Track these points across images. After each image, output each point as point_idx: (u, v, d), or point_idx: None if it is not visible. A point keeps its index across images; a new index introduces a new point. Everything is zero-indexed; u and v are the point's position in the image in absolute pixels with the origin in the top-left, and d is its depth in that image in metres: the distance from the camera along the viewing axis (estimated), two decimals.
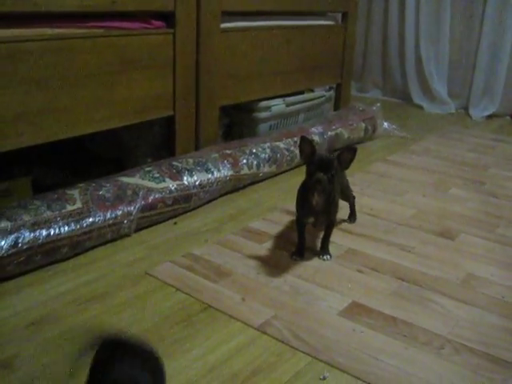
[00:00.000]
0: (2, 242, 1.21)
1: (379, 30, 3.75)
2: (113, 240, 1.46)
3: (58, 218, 1.33)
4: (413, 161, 2.32)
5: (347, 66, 2.81)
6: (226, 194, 1.81)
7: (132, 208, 1.47)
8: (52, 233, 1.30)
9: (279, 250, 1.47)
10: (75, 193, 1.42)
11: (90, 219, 1.38)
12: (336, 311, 1.19)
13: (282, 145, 2.02)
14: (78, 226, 1.35)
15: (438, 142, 2.68)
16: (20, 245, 1.23)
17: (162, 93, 1.79)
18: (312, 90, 2.70)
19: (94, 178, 1.54)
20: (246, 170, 1.83)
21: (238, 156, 1.84)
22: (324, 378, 0.98)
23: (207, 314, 1.16)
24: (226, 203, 1.77)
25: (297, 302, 1.22)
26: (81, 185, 1.48)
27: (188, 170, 1.66)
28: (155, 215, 1.55)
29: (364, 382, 0.98)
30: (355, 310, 1.20)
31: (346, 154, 1.32)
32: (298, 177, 1.46)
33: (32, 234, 1.26)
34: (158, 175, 1.59)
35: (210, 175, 1.70)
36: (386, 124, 2.71)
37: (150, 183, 1.56)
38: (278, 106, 2.30)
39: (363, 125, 2.48)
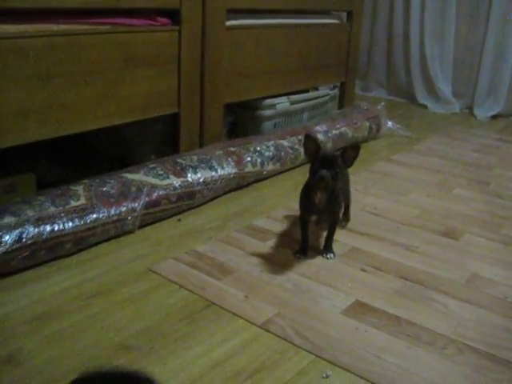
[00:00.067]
0: (7, 237, 1.21)
1: (384, 29, 3.74)
2: (116, 236, 1.46)
3: (62, 214, 1.33)
4: (417, 160, 2.32)
5: (352, 65, 2.80)
6: (229, 191, 1.81)
7: (136, 204, 1.47)
8: (56, 228, 1.30)
9: (283, 247, 1.47)
10: (79, 189, 1.43)
11: (94, 215, 1.38)
12: (339, 310, 1.19)
13: (286, 143, 2.02)
14: (82, 222, 1.35)
15: (443, 141, 2.68)
16: (24, 240, 1.24)
17: (166, 90, 1.79)
18: (316, 89, 2.70)
19: (97, 175, 1.54)
20: (250, 168, 1.83)
21: (242, 154, 1.83)
22: (327, 377, 0.98)
23: (210, 312, 1.16)
24: (229, 201, 1.77)
25: (300, 300, 1.22)
26: (85, 181, 1.48)
27: (192, 167, 1.66)
28: (159, 212, 1.55)
29: (367, 380, 0.98)
30: (358, 309, 1.19)
31: (350, 151, 1.32)
32: (302, 175, 1.46)
33: (36, 230, 1.26)
34: (162, 172, 1.59)
35: (214, 172, 1.70)
36: (390, 123, 2.71)
37: (154, 180, 1.56)
38: (282, 104, 2.30)
39: (367, 124, 2.48)
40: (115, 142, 2.01)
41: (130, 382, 0.74)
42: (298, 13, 2.39)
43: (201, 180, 1.65)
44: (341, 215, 1.53)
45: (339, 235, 1.51)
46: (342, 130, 2.31)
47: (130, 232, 1.49)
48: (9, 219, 1.25)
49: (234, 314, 1.15)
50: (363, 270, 1.37)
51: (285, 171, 2.04)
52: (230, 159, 1.78)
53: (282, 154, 1.97)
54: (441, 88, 3.47)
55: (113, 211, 1.42)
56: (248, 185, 1.88)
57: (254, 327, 1.11)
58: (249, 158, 1.84)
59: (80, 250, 1.38)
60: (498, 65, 3.27)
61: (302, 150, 1.90)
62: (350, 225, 1.61)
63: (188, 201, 1.63)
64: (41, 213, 1.30)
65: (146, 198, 1.50)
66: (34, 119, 1.44)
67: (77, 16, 1.51)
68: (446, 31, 3.41)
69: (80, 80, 1.52)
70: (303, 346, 1.06)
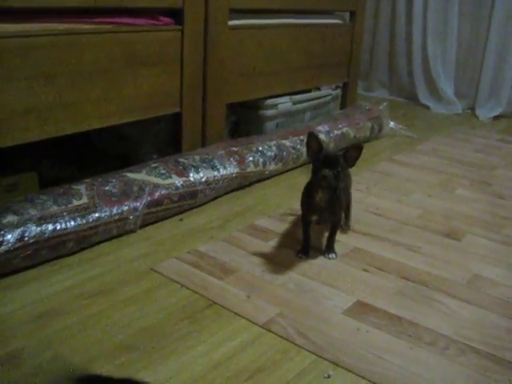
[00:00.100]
0: (9, 236, 1.22)
1: (386, 29, 3.74)
2: (118, 235, 1.46)
3: (65, 213, 1.33)
4: (419, 161, 2.32)
5: (354, 65, 2.80)
6: (231, 191, 1.81)
7: (138, 204, 1.47)
8: (58, 227, 1.30)
9: (285, 247, 1.47)
10: (81, 188, 1.43)
11: (96, 214, 1.38)
12: (341, 310, 1.19)
13: (288, 143, 2.02)
14: (84, 221, 1.35)
15: (445, 142, 2.67)
16: (26, 239, 1.24)
17: (169, 89, 1.79)
18: (318, 89, 2.70)
19: (99, 174, 1.54)
20: (252, 168, 1.83)
21: (245, 153, 1.83)
22: (329, 377, 0.98)
23: (212, 311, 1.16)
24: (231, 200, 1.77)
25: (302, 300, 1.22)
26: (87, 180, 1.48)
27: (194, 167, 1.66)
28: (161, 211, 1.55)
29: (368, 381, 0.98)
30: (360, 309, 1.19)
31: (352, 151, 1.31)
32: (304, 175, 1.45)
33: (38, 229, 1.27)
34: (164, 171, 1.59)
35: (216, 172, 1.70)
36: (392, 123, 2.71)
37: (156, 179, 1.56)
38: (284, 104, 2.30)
39: (369, 124, 2.48)
40: (117, 142, 2.01)
41: None
42: (301, 13, 2.39)
43: (203, 179, 1.65)
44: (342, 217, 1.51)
45: (341, 235, 1.51)
46: (344, 130, 2.31)
47: (132, 231, 1.49)
48: (11, 218, 1.25)
49: (236, 314, 1.15)
50: (365, 270, 1.37)
51: (287, 171, 2.04)
52: (232, 159, 1.78)
53: (284, 153, 1.97)
54: (443, 88, 3.47)
55: (115, 210, 1.42)
56: (250, 185, 1.88)
57: (255, 327, 1.11)
58: (251, 158, 1.84)
59: (82, 249, 1.38)
60: (501, 65, 3.27)
61: (304, 150, 1.90)
62: (351, 225, 1.60)
63: (190, 200, 1.63)
64: (43, 212, 1.30)
65: (148, 198, 1.50)
66: (37, 118, 1.44)
67: (80, 15, 1.51)
68: (449, 31, 3.41)
69: (83, 79, 1.53)
70: (305, 346, 1.06)
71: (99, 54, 1.55)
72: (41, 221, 1.28)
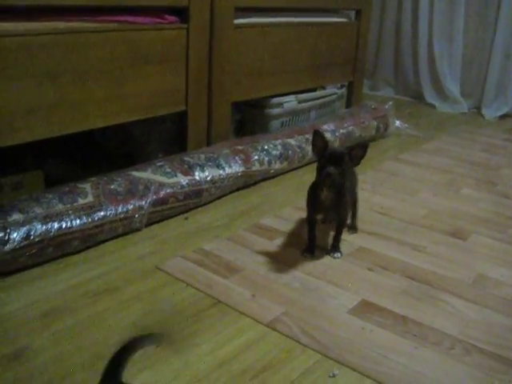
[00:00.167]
0: (15, 234, 1.22)
1: (392, 28, 3.72)
2: (124, 234, 1.47)
3: (70, 211, 1.33)
4: (424, 160, 2.31)
5: (360, 64, 2.79)
6: (237, 190, 1.81)
7: (143, 202, 1.48)
8: (64, 226, 1.30)
9: (290, 246, 1.47)
10: (87, 186, 1.43)
11: (102, 213, 1.38)
12: (346, 309, 1.19)
13: (293, 142, 2.02)
14: (90, 220, 1.36)
15: (450, 141, 2.67)
16: (32, 237, 1.24)
17: (174, 88, 1.79)
18: (324, 88, 2.69)
19: (105, 173, 1.54)
20: (257, 167, 1.83)
21: (250, 152, 1.83)
22: (333, 376, 0.98)
23: (217, 310, 1.16)
24: (236, 199, 1.77)
25: (307, 299, 1.22)
26: (92, 179, 1.48)
27: (199, 166, 1.66)
28: (166, 210, 1.55)
29: (373, 380, 0.98)
30: (365, 309, 1.19)
31: (357, 150, 1.31)
32: (309, 174, 1.45)
33: (44, 227, 1.27)
34: (169, 170, 1.60)
35: (221, 171, 1.70)
36: (397, 122, 2.70)
37: (162, 178, 1.56)
38: (289, 102, 2.30)
39: (375, 123, 2.47)
40: (123, 140, 2.02)
41: None
42: (307, 11, 2.38)
43: (208, 178, 1.65)
44: (348, 218, 1.49)
45: (346, 234, 1.50)
46: (350, 129, 2.30)
47: (138, 230, 1.50)
48: (17, 216, 1.25)
49: (241, 313, 1.15)
50: (370, 270, 1.36)
51: (292, 170, 2.03)
52: (237, 158, 1.78)
53: (290, 152, 1.97)
54: (449, 87, 3.45)
55: (120, 209, 1.42)
56: (255, 183, 1.88)
57: (260, 326, 1.11)
58: (256, 157, 1.84)
59: (87, 248, 1.39)
60: (507, 65, 3.25)
61: (309, 148, 1.90)
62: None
63: (195, 199, 1.63)
64: (48, 210, 1.31)
65: (154, 196, 1.50)
66: (42, 117, 1.45)
67: (84, 14, 1.51)
68: (455, 30, 3.40)
69: (87, 78, 1.53)
70: (310, 345, 1.06)
71: (104, 53, 1.55)
72: (46, 219, 1.28)
